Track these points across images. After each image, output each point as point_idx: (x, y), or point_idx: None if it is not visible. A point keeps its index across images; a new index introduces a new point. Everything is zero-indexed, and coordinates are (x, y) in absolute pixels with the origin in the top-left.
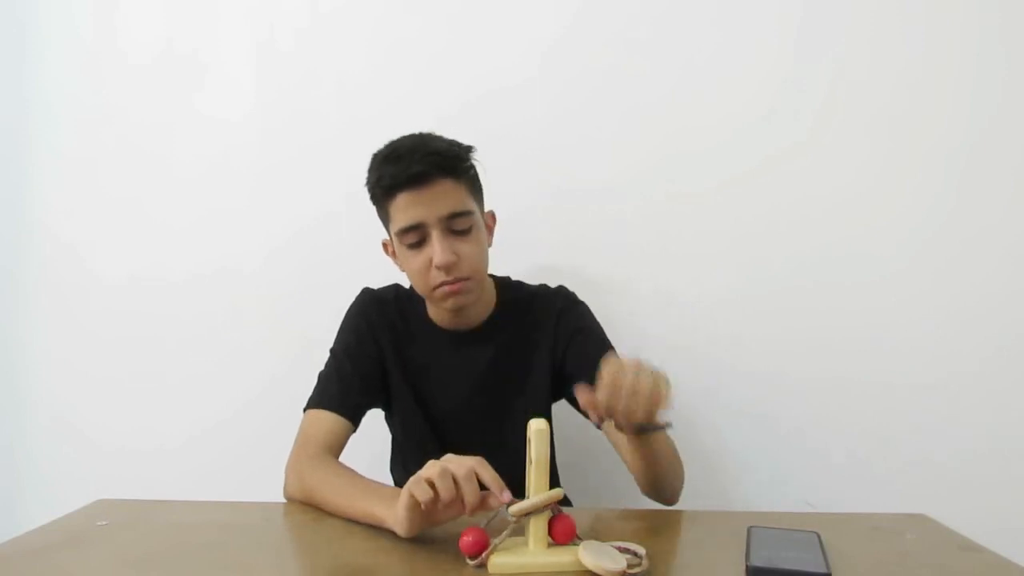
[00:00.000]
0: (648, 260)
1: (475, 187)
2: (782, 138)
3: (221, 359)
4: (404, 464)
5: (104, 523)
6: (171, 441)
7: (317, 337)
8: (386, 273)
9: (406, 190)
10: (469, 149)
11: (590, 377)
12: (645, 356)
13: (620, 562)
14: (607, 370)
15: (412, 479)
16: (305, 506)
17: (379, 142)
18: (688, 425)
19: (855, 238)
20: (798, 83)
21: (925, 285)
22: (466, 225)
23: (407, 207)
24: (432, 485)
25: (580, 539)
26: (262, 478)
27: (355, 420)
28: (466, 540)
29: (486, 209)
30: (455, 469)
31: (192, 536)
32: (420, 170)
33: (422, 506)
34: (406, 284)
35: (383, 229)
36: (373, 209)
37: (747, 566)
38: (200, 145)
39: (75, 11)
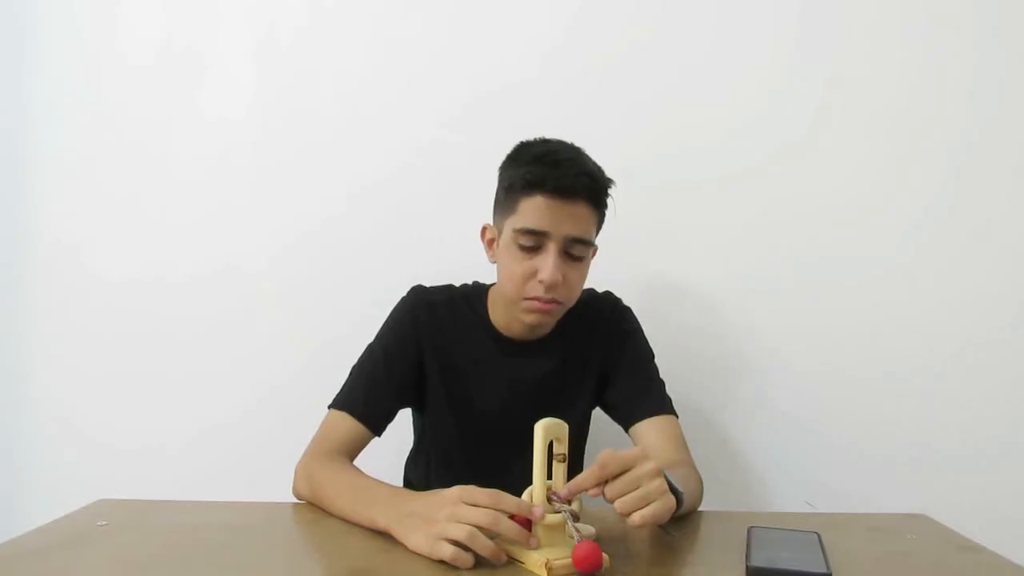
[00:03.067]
0: (647, 259)
1: (601, 223)
2: (782, 137)
3: (222, 359)
4: (426, 463)
5: (104, 523)
6: (172, 442)
7: (319, 338)
8: (388, 273)
9: (548, 195)
10: (611, 183)
11: (627, 382)
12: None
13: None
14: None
15: (434, 535)
16: (307, 507)
17: (380, 141)
18: (688, 426)
19: (856, 235)
20: (798, 82)
21: (926, 285)
22: (582, 253)
23: (541, 211)
24: (458, 543)
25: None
26: (263, 479)
27: (376, 429)
28: (579, 555)
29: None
30: (480, 519)
31: (193, 537)
32: (571, 184)
33: (464, 567)
34: (439, 280)
35: (388, 229)
36: (375, 210)
37: (747, 566)
38: (201, 144)
39: (75, 11)
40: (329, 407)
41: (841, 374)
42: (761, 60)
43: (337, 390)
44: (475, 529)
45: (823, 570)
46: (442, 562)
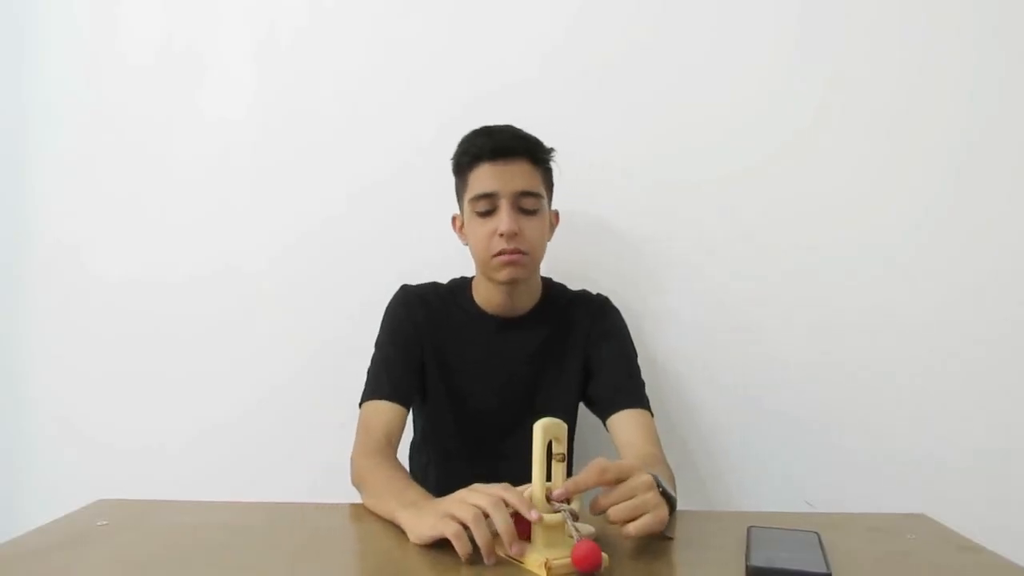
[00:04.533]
0: (647, 258)
1: (548, 180)
2: (782, 137)
3: (223, 359)
4: (428, 454)
5: (104, 523)
6: (172, 442)
7: (319, 338)
8: (389, 272)
9: (488, 161)
10: (552, 149)
11: (607, 377)
12: (642, 355)
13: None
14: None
15: (441, 512)
16: (307, 507)
17: (380, 141)
18: (688, 425)
19: (856, 236)
20: (798, 82)
21: (926, 286)
22: (534, 206)
23: (485, 177)
24: (462, 522)
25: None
26: (263, 479)
27: (407, 404)
28: (578, 555)
29: (553, 208)
30: (483, 502)
31: (193, 537)
32: (505, 145)
33: (461, 553)
34: (438, 279)
35: (387, 230)
36: (376, 209)
37: (747, 566)
38: (201, 144)
39: (75, 11)
40: (360, 404)
41: (842, 374)
42: (761, 60)
43: (337, 391)
44: (480, 513)
45: (823, 570)
46: (442, 562)
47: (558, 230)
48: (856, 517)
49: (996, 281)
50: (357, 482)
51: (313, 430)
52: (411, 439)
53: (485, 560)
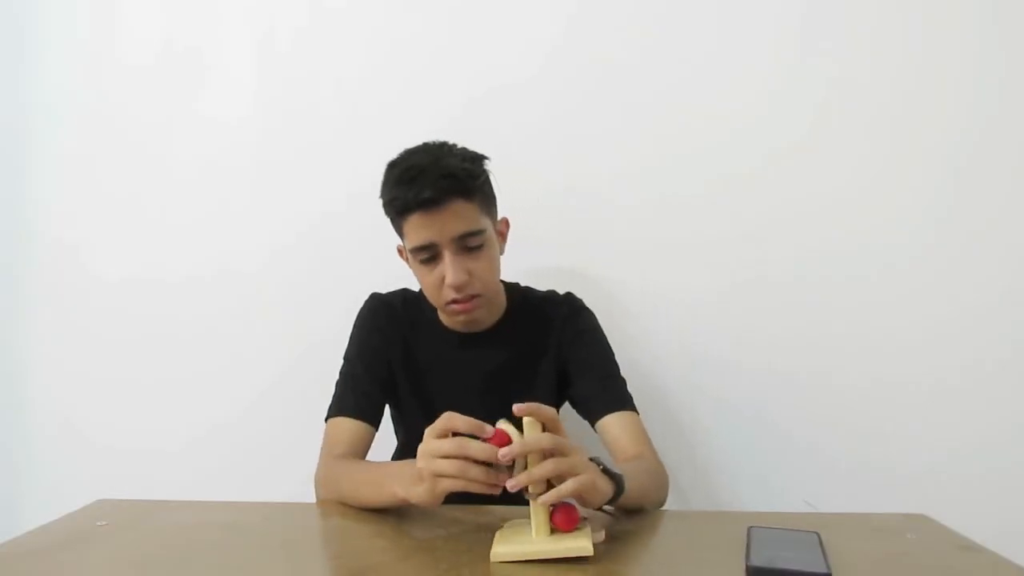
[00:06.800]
0: (648, 259)
1: (488, 201)
2: (782, 137)
3: (223, 360)
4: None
5: (104, 523)
6: (172, 442)
7: (318, 339)
8: (388, 273)
9: (418, 212)
10: (482, 163)
11: (588, 379)
12: (643, 355)
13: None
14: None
15: (428, 478)
16: (306, 507)
17: (380, 141)
18: (688, 425)
19: (856, 238)
20: (798, 83)
21: (925, 285)
22: (478, 243)
23: (419, 228)
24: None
25: (585, 522)
26: (263, 479)
27: (375, 422)
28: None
29: (499, 215)
30: (449, 450)
31: (192, 537)
32: (433, 195)
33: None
34: (413, 287)
35: (386, 230)
36: (375, 210)
37: (747, 566)
38: (201, 144)
39: (75, 11)
40: (325, 420)
41: (841, 375)
42: (762, 60)
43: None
44: (459, 462)
45: (823, 570)
46: (443, 562)
47: (554, 229)
48: (856, 517)
49: (997, 282)
50: (327, 491)
51: (312, 430)
52: (394, 447)
53: (500, 492)
